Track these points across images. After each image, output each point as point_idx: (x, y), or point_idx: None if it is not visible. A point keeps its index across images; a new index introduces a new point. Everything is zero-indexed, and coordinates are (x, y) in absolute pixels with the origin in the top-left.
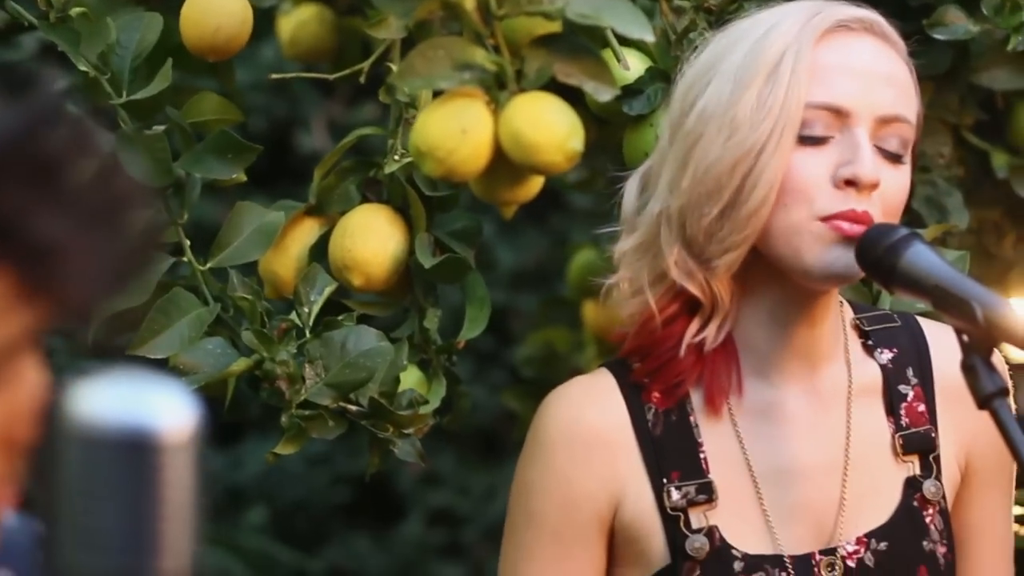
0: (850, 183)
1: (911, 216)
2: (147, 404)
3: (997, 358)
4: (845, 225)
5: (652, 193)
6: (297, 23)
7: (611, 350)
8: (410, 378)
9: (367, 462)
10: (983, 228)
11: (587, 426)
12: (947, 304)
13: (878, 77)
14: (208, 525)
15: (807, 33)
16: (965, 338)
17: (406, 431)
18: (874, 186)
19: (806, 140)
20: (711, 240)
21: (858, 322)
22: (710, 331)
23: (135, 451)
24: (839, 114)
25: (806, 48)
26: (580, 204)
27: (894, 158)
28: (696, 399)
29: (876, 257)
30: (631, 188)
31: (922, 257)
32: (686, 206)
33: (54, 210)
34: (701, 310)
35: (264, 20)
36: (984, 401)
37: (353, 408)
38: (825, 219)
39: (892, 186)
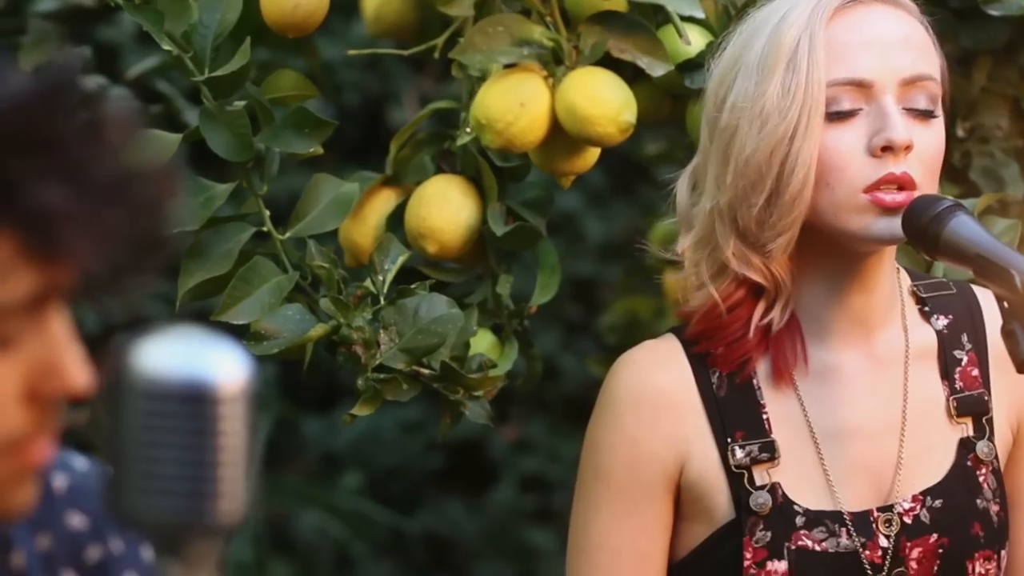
0: (885, 149)
1: (968, 186)
2: (205, 359)
3: None
4: (887, 197)
5: (702, 189)
6: (380, 1)
7: None
8: (483, 342)
9: (467, 432)
10: None
11: (654, 388)
12: (988, 272)
13: (894, 43)
14: (305, 487)
15: (818, 15)
16: (1005, 304)
17: (476, 393)
18: (908, 148)
19: (835, 117)
20: (763, 228)
21: (915, 289)
22: (776, 313)
23: (195, 403)
24: (862, 87)
25: (819, 30)
26: (667, 177)
27: (924, 115)
28: (760, 366)
29: (921, 227)
30: (682, 186)
31: (965, 227)
32: (734, 200)
33: (58, 179)
34: (765, 294)
35: None
36: (1023, 365)
37: (426, 372)
38: (867, 189)
39: (927, 143)
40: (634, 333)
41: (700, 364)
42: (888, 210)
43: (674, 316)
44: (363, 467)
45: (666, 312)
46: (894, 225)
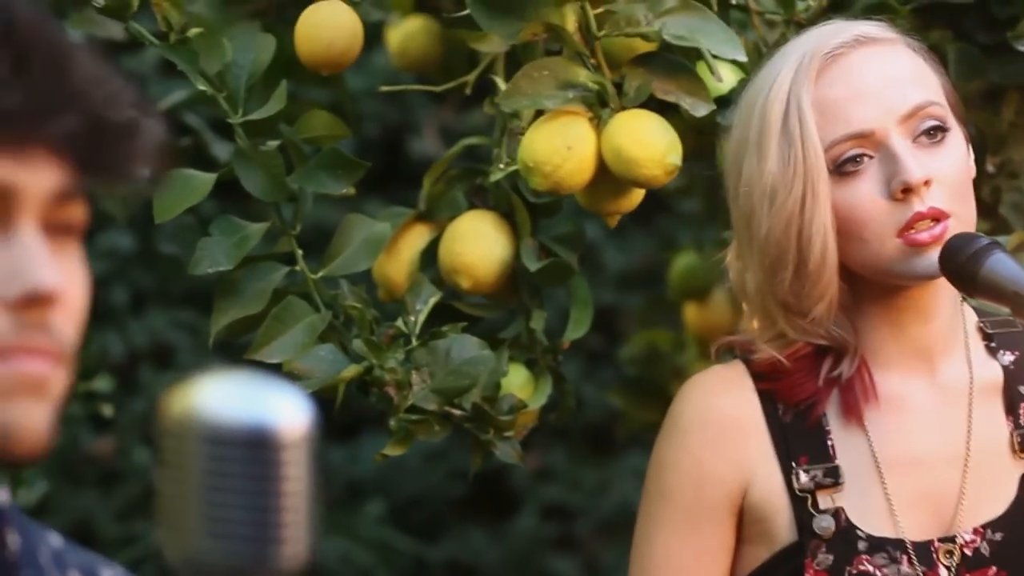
0: (906, 191)
1: (998, 221)
2: (268, 404)
3: None
4: (922, 235)
5: (745, 265)
6: (405, 35)
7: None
8: (517, 377)
9: (489, 461)
10: None
11: (720, 412)
12: None
13: (884, 84)
14: (329, 515)
15: (800, 79)
16: None
17: (506, 434)
18: (927, 183)
19: (847, 172)
20: (800, 299)
21: (982, 325)
22: (844, 367)
23: (259, 448)
24: (865, 137)
25: (805, 95)
26: (685, 208)
27: (934, 135)
28: (829, 399)
29: (958, 265)
30: (732, 260)
31: (1002, 265)
32: (765, 279)
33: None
34: (832, 350)
35: (375, 29)
36: None
37: (457, 412)
38: (900, 233)
39: (944, 167)
40: (655, 365)
41: (766, 393)
42: (926, 246)
43: (722, 346)
44: (386, 495)
45: (686, 344)
46: (936, 259)
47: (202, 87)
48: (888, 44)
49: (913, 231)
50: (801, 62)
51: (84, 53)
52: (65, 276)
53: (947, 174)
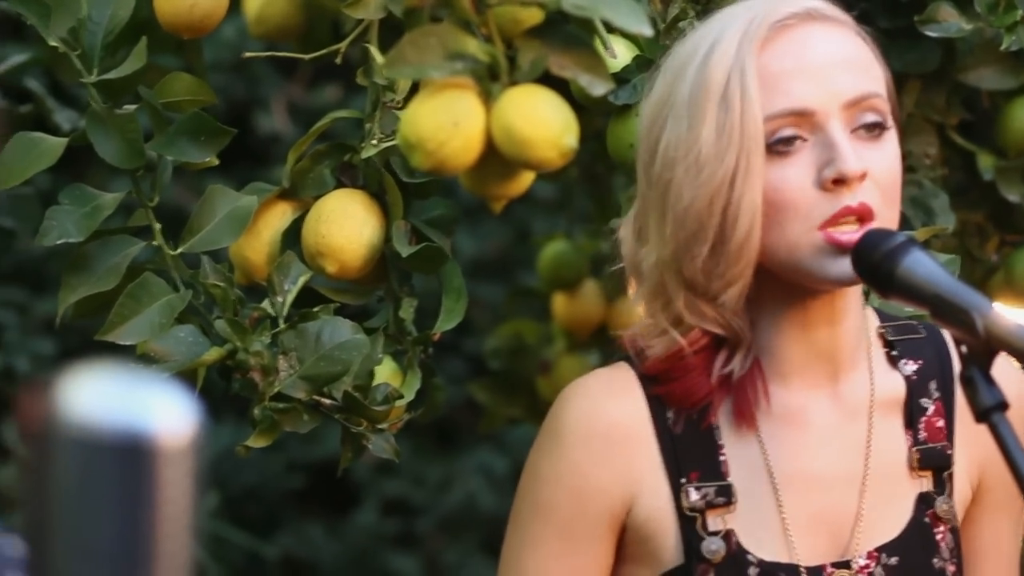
0: (838, 182)
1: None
2: (145, 407)
3: (999, 369)
4: (844, 237)
5: (646, 237)
6: (264, 0)
7: (580, 343)
8: (384, 370)
9: (328, 452)
10: (966, 231)
11: (606, 420)
12: (946, 313)
13: (832, 65)
14: None
15: (746, 46)
16: (964, 349)
17: (380, 426)
18: (863, 177)
19: (778, 152)
20: (711, 279)
21: (883, 331)
22: (736, 363)
23: (132, 456)
24: (804, 115)
25: (749, 62)
26: (543, 194)
27: (874, 130)
28: (721, 406)
29: (873, 263)
30: (626, 235)
31: (921, 264)
32: (676, 252)
33: None
34: (726, 343)
35: None
36: (982, 415)
37: (327, 401)
38: (823, 226)
39: (882, 164)
40: (519, 358)
41: (656, 399)
42: (846, 250)
43: (576, 333)
44: (220, 487)
45: (553, 337)
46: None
47: (54, 43)
48: (839, 25)
49: (837, 228)
50: (748, 28)
51: None
52: None
53: (882, 173)
